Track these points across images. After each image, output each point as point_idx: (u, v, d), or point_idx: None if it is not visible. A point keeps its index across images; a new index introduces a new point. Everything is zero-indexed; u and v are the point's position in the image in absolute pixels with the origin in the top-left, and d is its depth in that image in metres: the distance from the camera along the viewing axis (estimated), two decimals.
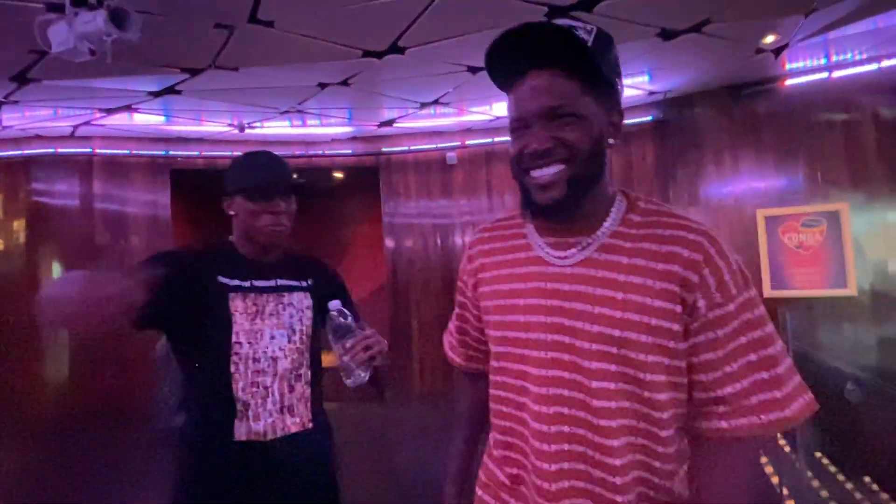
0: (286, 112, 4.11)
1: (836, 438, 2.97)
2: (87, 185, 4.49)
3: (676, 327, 0.70)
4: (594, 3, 2.46)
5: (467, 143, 4.76)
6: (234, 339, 1.13)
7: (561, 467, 0.73)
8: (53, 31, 2.08)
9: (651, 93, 3.96)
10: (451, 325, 1.03)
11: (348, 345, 1.05)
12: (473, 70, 3.31)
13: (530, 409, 0.77)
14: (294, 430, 1.15)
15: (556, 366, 0.75)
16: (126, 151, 4.57)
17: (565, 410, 0.74)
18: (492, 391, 0.85)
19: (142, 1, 2.21)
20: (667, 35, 2.90)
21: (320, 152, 4.88)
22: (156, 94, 3.54)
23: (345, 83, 3.49)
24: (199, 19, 2.51)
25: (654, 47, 3.05)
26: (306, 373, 1.21)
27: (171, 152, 4.67)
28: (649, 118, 4.11)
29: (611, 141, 0.75)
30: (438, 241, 4.84)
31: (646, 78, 3.67)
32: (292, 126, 4.52)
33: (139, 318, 0.92)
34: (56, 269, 4.43)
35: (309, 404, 1.19)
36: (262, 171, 1.18)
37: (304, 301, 1.24)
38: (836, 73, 3.42)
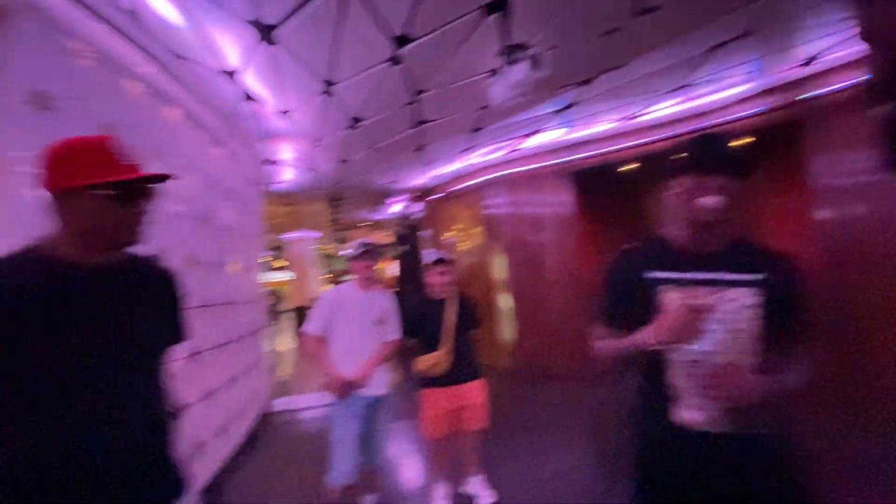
0: (671, 91, 3.92)
1: None
2: (515, 196, 5.87)
3: None
4: None
5: None
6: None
7: None
8: (494, 89, 2.85)
9: None
10: None
11: None
12: None
13: None
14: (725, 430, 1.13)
15: None
16: (538, 165, 5.63)
17: None
18: None
19: (546, 39, 2.68)
20: None
21: (720, 120, 4.34)
22: (558, 112, 4.18)
23: (747, 35, 2.97)
24: (589, 35, 2.79)
25: None
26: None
27: (572, 157, 5.39)
28: None
29: None
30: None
31: None
32: (682, 102, 4.24)
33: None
34: (501, 261, 6.01)
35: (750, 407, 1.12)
36: (713, 147, 1.16)
37: (748, 299, 1.14)
38: None
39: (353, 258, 2.50)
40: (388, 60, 2.89)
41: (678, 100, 4.17)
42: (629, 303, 1.21)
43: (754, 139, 4.47)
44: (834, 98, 3.62)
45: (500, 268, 6.02)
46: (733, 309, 1.13)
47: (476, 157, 5.63)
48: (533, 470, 3.13)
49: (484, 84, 3.09)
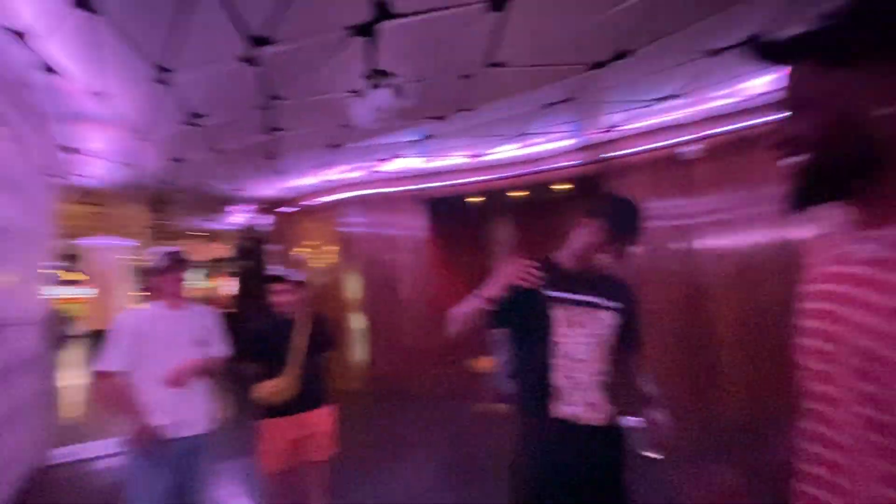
0: (513, 137, 4.48)
1: None
2: (372, 217, 5.90)
3: None
4: None
5: (710, 132, 4.17)
6: (554, 338, 1.40)
7: None
8: (356, 109, 2.87)
9: None
10: None
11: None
12: (714, 52, 2.93)
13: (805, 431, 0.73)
14: (595, 423, 1.38)
15: (824, 379, 0.67)
16: (395, 189, 5.78)
17: (827, 432, 0.66)
18: None
19: (410, 73, 2.83)
20: None
21: (546, 168, 5.10)
22: (415, 142, 4.39)
23: (568, 100, 3.59)
24: (448, 76, 3.03)
25: None
26: (601, 380, 1.42)
27: (425, 185, 5.67)
28: None
29: (887, 109, 0.58)
30: (675, 245, 4.36)
31: None
32: (518, 148, 4.87)
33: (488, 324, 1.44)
34: (355, 280, 5.92)
35: (608, 406, 1.41)
36: (631, 221, 1.41)
37: (609, 318, 1.43)
38: None
39: (158, 271, 2.10)
40: (242, 59, 2.68)
41: (517, 145, 4.78)
42: (520, 310, 1.39)
43: (572, 186, 5.36)
44: (627, 159, 4.62)
45: (354, 287, 5.93)
46: (601, 326, 1.41)
47: (334, 174, 5.52)
48: (388, 493, 3.09)
49: (346, 102, 3.09)
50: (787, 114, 0.64)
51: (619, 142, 4.65)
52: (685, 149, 4.27)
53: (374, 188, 5.84)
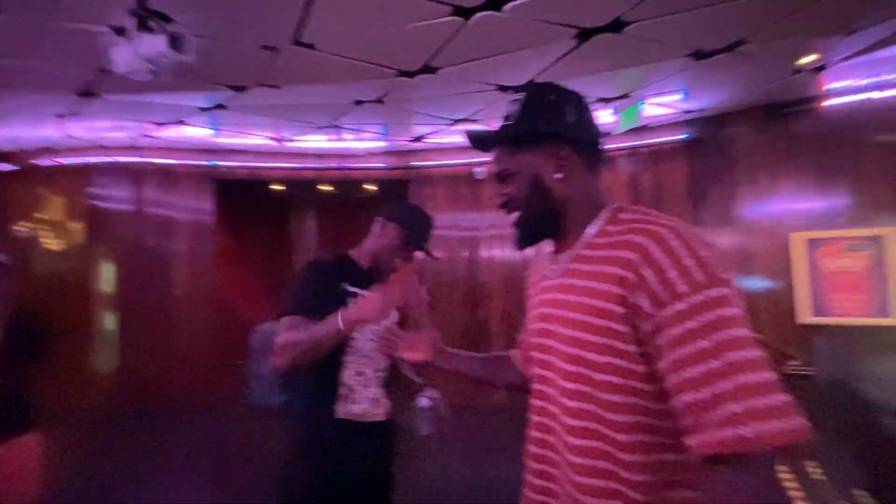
0: (323, 127, 4.30)
1: (879, 474, 2.81)
2: (140, 192, 4.82)
3: (622, 328, 0.72)
4: (623, 25, 2.50)
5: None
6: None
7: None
8: (117, 53, 2.29)
9: (686, 111, 3.92)
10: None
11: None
12: (504, 89, 3.38)
13: (532, 406, 0.89)
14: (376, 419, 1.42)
15: (543, 366, 0.85)
16: (175, 161, 4.87)
17: (547, 406, 0.83)
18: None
19: (197, 24, 2.40)
20: (699, 55, 2.89)
21: (354, 165, 5.06)
22: (204, 110, 3.78)
23: (379, 101, 3.63)
24: (247, 42, 2.70)
25: (688, 67, 3.04)
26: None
27: (217, 163, 4.95)
28: (683, 137, 4.06)
29: (557, 175, 0.84)
30: (465, 254, 4.89)
31: (680, 96, 3.64)
32: (329, 140, 4.71)
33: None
34: (108, 269, 4.74)
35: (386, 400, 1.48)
36: (425, 230, 1.52)
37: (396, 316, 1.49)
38: (880, 94, 3.30)
39: None
40: None
41: (326, 137, 4.62)
42: (319, 305, 1.33)
43: (377, 188, 5.47)
44: (430, 170, 4.96)
45: (107, 278, 4.73)
46: (389, 322, 1.46)
47: (84, 131, 4.31)
48: None
49: (105, 40, 2.43)
50: (500, 183, 0.89)
51: (424, 153, 4.97)
52: (477, 169, 4.83)
53: (145, 156, 4.81)
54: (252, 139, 4.66)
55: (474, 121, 4.11)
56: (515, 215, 0.87)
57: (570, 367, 0.77)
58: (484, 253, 4.85)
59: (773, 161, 3.65)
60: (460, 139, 4.67)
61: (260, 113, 3.89)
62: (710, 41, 2.75)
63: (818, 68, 3.09)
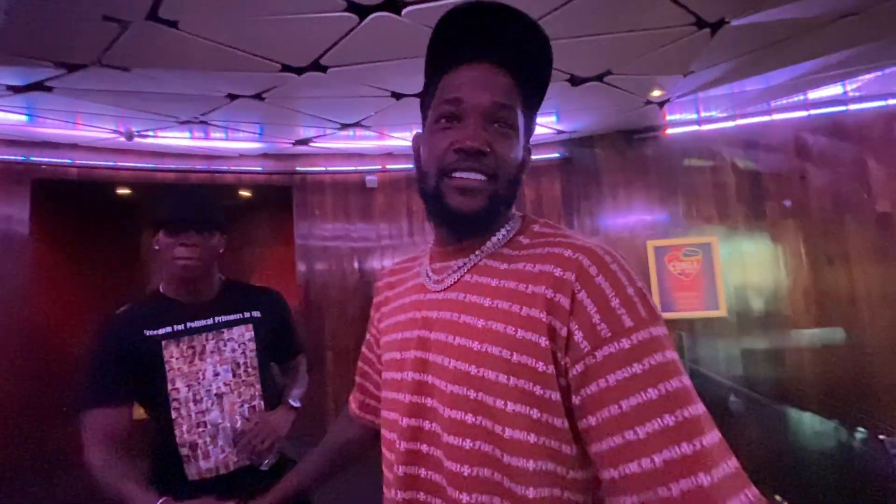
0: (187, 122, 3.74)
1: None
2: None
3: (543, 367, 0.53)
4: None
5: (388, 167, 4.73)
6: (169, 386, 1.15)
7: None
8: None
9: (559, 132, 4.32)
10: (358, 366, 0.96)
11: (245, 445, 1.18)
12: (398, 96, 3.33)
13: (390, 470, 0.64)
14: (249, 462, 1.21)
15: (415, 413, 0.61)
16: None
17: (422, 473, 0.59)
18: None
19: None
20: (575, 81, 3.20)
21: (226, 168, 4.49)
22: (18, 90, 2.99)
23: (258, 97, 3.28)
24: (85, 8, 2.19)
25: (564, 91, 3.34)
26: (260, 404, 1.24)
27: (35, 158, 3.97)
28: (557, 155, 4.47)
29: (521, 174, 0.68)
30: (356, 266, 4.67)
31: (554, 118, 4.00)
32: (193, 138, 4.11)
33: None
34: None
35: None
36: (177, 203, 1.21)
37: (245, 334, 1.26)
38: (705, 127, 4.07)
39: None
40: None
41: (188, 134, 4.03)
42: (128, 369, 1.15)
43: (251, 195, 4.96)
44: (316, 177, 4.64)
45: None
46: (232, 347, 1.24)
47: None
48: None
49: None
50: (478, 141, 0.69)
51: (310, 157, 4.64)
52: (369, 178, 4.67)
53: None
54: (88, 132, 3.84)
55: (366, 126, 3.97)
56: (483, 178, 0.62)
57: (466, 418, 0.55)
58: (377, 264, 4.68)
59: (630, 179, 4.23)
60: (350, 145, 4.48)
61: (100, 100, 3.21)
62: (584, 69, 3.06)
63: (663, 102, 3.66)
